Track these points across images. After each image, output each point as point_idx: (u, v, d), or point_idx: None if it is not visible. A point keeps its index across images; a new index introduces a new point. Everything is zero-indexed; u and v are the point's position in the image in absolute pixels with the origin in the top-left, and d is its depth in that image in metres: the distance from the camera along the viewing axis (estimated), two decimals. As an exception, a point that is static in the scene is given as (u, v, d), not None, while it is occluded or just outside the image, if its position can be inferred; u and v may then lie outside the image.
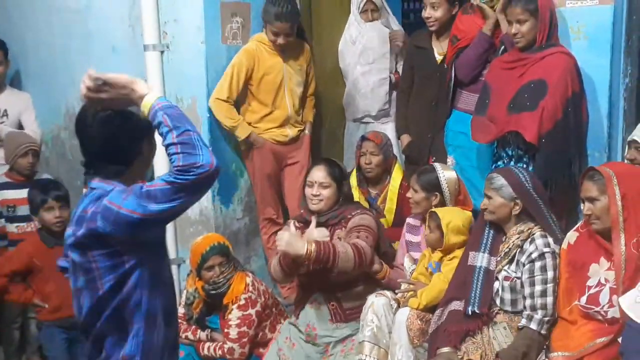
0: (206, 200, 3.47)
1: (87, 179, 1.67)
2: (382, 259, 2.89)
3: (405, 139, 3.56)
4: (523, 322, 2.48)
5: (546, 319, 2.48)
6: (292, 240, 2.59)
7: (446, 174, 2.97)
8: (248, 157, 3.59)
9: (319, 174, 2.85)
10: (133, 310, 1.63)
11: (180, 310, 3.04)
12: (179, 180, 1.49)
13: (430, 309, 2.69)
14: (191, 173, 1.48)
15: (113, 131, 1.61)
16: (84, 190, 1.67)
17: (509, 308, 2.55)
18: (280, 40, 3.40)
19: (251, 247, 3.79)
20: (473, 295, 2.57)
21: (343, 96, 3.92)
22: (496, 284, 2.57)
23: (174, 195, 1.49)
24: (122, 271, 1.60)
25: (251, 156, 3.57)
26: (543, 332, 2.47)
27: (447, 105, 3.34)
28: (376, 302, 2.73)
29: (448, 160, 3.33)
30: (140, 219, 1.51)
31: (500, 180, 2.60)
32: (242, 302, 2.93)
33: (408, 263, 2.95)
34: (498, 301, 2.57)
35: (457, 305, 2.61)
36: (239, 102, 3.55)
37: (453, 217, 2.78)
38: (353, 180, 3.39)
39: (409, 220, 3.06)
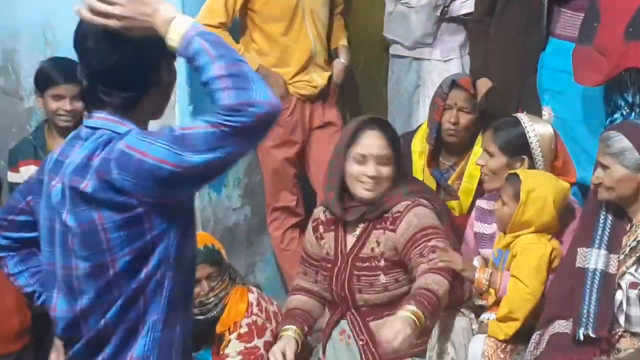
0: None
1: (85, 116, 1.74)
2: None
3: (484, 84, 3.56)
4: None
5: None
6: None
7: (537, 128, 2.97)
8: None
9: (377, 142, 2.79)
10: (151, 297, 1.68)
11: None
12: (229, 123, 1.53)
13: (517, 337, 2.72)
14: (245, 113, 1.53)
15: (126, 47, 1.66)
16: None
17: (638, 329, 2.59)
18: None
19: (255, 248, 3.83)
20: (586, 311, 2.59)
21: (382, 18, 3.95)
22: (618, 294, 2.60)
23: (221, 142, 1.55)
24: (142, 243, 1.64)
25: None
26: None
27: (541, 32, 3.39)
28: (451, 326, 2.81)
29: (543, 111, 3.38)
30: (173, 172, 1.56)
31: (621, 141, 2.61)
32: (244, 329, 2.97)
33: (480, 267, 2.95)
34: (622, 319, 2.60)
35: (562, 326, 2.63)
36: (236, 39, 3.61)
37: (540, 184, 2.78)
38: (418, 143, 3.44)
39: (480, 202, 3.08)
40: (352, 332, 2.83)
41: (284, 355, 2.72)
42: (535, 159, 2.94)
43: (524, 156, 2.93)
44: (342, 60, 3.80)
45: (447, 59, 3.84)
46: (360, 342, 2.82)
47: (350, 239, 2.83)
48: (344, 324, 2.86)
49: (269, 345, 2.95)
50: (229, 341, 2.98)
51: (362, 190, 2.77)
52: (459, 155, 3.45)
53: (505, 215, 2.80)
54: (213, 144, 1.54)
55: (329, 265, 2.86)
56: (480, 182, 3.25)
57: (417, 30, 3.81)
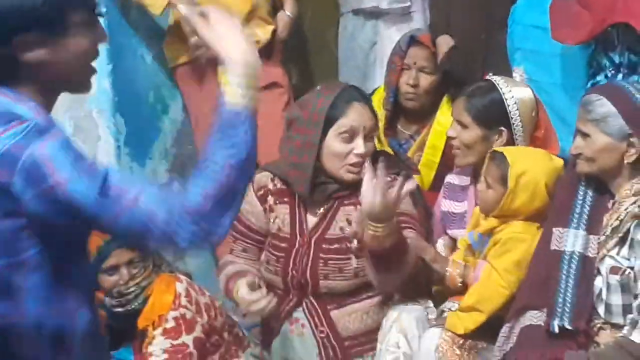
0: (106, 153, 3.53)
1: None
2: None
3: (444, 42, 3.59)
4: (623, 331, 2.54)
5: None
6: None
7: (516, 93, 2.95)
8: (184, 77, 3.68)
9: (367, 116, 2.79)
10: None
11: None
12: (174, 216, 1.60)
13: (480, 332, 2.72)
14: (200, 234, 1.61)
15: None
16: None
17: (619, 319, 2.58)
18: None
19: (186, 232, 3.89)
20: (561, 300, 2.61)
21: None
22: (598, 281, 2.60)
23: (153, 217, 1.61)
24: (14, 260, 1.67)
25: (189, 76, 3.63)
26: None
27: None
28: (404, 316, 2.76)
29: (514, 74, 3.38)
30: (92, 214, 1.60)
31: (603, 106, 2.60)
32: (171, 324, 2.94)
33: (445, 250, 2.99)
34: (601, 309, 2.60)
35: (535, 317, 2.64)
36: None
37: (531, 166, 2.78)
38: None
39: (451, 178, 3.09)
40: (310, 322, 2.85)
41: (254, 287, 2.72)
42: (515, 130, 2.94)
43: (502, 128, 2.92)
44: (287, 12, 3.81)
45: (405, 15, 3.89)
46: (320, 334, 2.85)
47: (312, 217, 2.83)
48: (298, 312, 2.87)
49: (199, 343, 2.96)
50: (153, 337, 2.94)
51: (346, 173, 2.77)
52: (419, 123, 3.48)
53: (490, 198, 2.81)
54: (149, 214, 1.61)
55: (284, 245, 2.84)
56: (444, 155, 3.29)
57: None
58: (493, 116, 2.92)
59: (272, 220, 2.88)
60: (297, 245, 2.83)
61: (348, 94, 2.81)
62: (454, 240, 3.01)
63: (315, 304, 2.83)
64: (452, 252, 2.98)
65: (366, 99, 2.87)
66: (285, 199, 2.86)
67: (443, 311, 2.85)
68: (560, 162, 2.86)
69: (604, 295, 2.57)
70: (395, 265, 2.65)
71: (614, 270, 2.56)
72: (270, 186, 2.89)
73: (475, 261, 2.85)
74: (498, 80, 3.00)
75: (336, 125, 2.75)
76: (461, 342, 2.70)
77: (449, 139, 3.05)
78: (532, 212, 2.78)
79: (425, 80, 3.40)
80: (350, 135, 2.76)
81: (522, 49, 3.36)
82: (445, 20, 3.62)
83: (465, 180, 3.02)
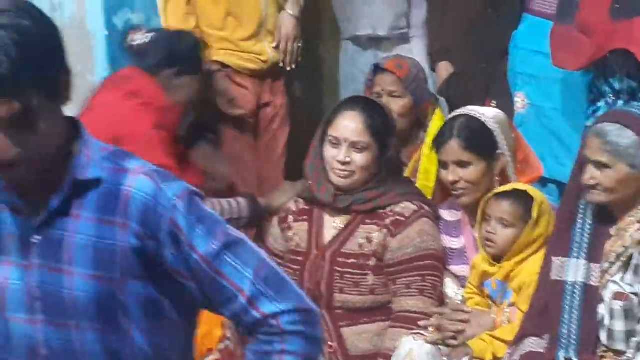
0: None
1: None
2: None
3: (444, 69, 3.57)
4: (628, 354, 2.51)
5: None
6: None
7: (490, 115, 2.90)
8: None
9: (352, 125, 2.82)
10: None
11: None
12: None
13: None
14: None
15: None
16: None
17: (621, 346, 2.55)
18: None
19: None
20: (566, 331, 2.57)
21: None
22: (601, 308, 2.57)
23: None
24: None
25: None
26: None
27: (514, 9, 3.40)
28: (416, 349, 2.71)
29: (516, 98, 3.36)
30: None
31: (625, 136, 2.53)
32: (215, 356, 2.93)
33: (452, 286, 2.91)
34: (603, 336, 2.56)
35: (534, 344, 2.61)
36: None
37: (543, 196, 2.78)
38: None
39: (442, 214, 2.99)
40: None
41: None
42: (506, 155, 2.88)
43: (499, 153, 2.86)
44: (289, 11, 3.70)
45: (404, 41, 3.85)
46: (329, 350, 2.82)
47: (330, 231, 2.85)
48: None
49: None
50: None
51: (334, 177, 2.83)
52: (407, 148, 3.40)
53: (508, 237, 2.74)
54: None
55: (299, 259, 2.86)
56: (438, 179, 3.20)
57: (386, 14, 3.78)
58: (487, 145, 2.88)
59: (290, 238, 2.90)
60: (312, 258, 2.83)
61: (345, 103, 2.91)
62: (457, 278, 2.93)
63: (328, 318, 2.81)
64: (459, 286, 2.92)
65: (365, 111, 2.85)
66: (305, 217, 2.89)
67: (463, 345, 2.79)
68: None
69: (606, 322, 2.53)
70: None
71: (617, 296, 2.52)
72: (293, 207, 2.93)
73: (485, 302, 2.81)
74: (467, 109, 2.94)
75: (328, 132, 2.85)
76: None
77: (451, 183, 2.93)
78: (547, 237, 2.75)
79: (396, 105, 3.31)
80: (336, 143, 2.82)
81: (524, 74, 3.35)
82: (444, 46, 3.59)
83: (457, 214, 2.95)
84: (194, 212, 1.53)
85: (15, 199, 1.53)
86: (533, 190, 2.79)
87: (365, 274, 2.77)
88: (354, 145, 2.80)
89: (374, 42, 3.89)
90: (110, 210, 1.52)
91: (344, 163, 2.80)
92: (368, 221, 2.82)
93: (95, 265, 1.53)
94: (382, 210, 2.81)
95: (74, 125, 1.58)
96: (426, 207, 2.87)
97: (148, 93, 3.13)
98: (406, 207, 2.81)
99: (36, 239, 1.53)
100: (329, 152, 2.83)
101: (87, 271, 1.53)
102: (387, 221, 2.80)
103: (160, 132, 3.05)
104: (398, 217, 2.80)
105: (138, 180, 1.53)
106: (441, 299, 2.85)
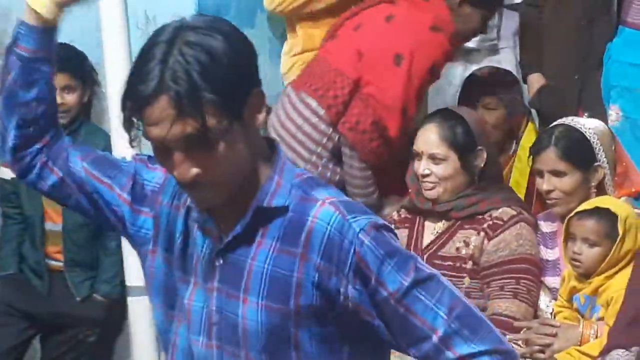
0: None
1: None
2: None
3: (536, 81, 3.55)
4: None
5: None
6: None
7: (591, 126, 2.85)
8: None
9: (428, 138, 2.82)
10: None
11: None
12: None
13: None
14: None
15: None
16: None
17: None
18: None
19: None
20: None
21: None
22: None
23: None
24: None
25: None
26: None
27: (610, 21, 3.42)
28: None
29: (610, 111, 3.36)
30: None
31: None
32: None
33: (544, 298, 2.87)
34: None
35: (622, 357, 2.56)
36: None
37: (624, 208, 2.70)
38: None
39: (541, 223, 2.94)
40: None
41: None
42: (605, 167, 2.80)
43: (596, 165, 2.80)
44: None
45: (496, 49, 3.86)
46: None
47: (429, 237, 2.85)
48: None
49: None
50: None
51: (423, 190, 2.84)
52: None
53: (596, 256, 2.68)
54: None
55: None
56: (530, 189, 3.18)
57: None
58: (585, 156, 2.81)
59: None
60: None
61: (428, 117, 2.90)
62: (549, 289, 2.89)
63: None
64: (551, 297, 2.88)
65: (442, 122, 2.84)
66: (407, 225, 2.90)
67: None
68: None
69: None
70: None
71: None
72: (395, 216, 2.95)
73: (575, 316, 2.77)
74: (569, 119, 2.90)
75: (412, 146, 2.87)
76: None
77: (546, 192, 2.88)
78: (633, 255, 2.68)
79: (490, 117, 3.32)
80: (418, 156, 2.83)
81: (618, 86, 3.33)
82: (537, 58, 3.57)
83: (553, 226, 2.89)
84: (382, 247, 1.42)
85: (207, 220, 1.47)
86: (616, 206, 2.71)
87: (462, 277, 2.76)
88: (432, 157, 2.80)
89: (464, 53, 3.86)
90: (293, 240, 1.44)
91: (424, 175, 2.81)
92: (467, 226, 2.81)
93: (269, 295, 1.45)
94: (480, 215, 2.80)
95: (271, 148, 1.49)
96: (525, 213, 2.84)
97: (444, 17, 3.09)
98: (504, 211, 2.79)
99: (219, 262, 1.47)
100: (414, 165, 2.86)
101: (261, 300, 1.45)
102: (485, 225, 2.79)
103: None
104: (496, 221, 2.78)
105: (324, 211, 1.43)
106: (536, 304, 2.81)
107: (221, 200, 1.43)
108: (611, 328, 2.61)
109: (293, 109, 3.12)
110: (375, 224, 1.43)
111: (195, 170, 1.38)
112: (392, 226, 2.86)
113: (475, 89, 3.39)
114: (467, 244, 2.78)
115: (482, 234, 2.78)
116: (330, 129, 3.09)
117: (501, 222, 2.78)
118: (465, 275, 2.76)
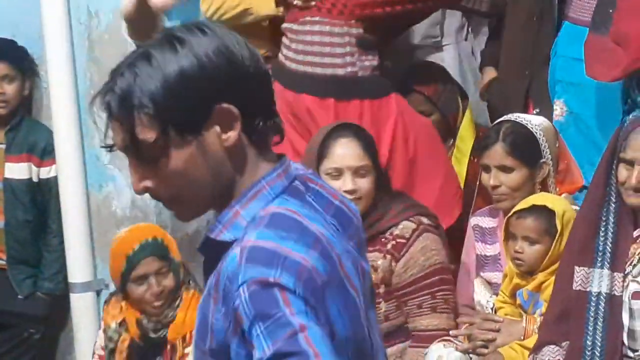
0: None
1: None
2: None
3: (487, 74, 3.60)
4: None
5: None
6: None
7: (536, 122, 2.89)
8: None
9: (352, 152, 2.73)
10: None
11: None
12: None
13: None
14: None
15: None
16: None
17: None
18: None
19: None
20: (590, 342, 2.55)
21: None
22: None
23: None
24: None
25: None
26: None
27: (553, 16, 3.39)
28: (446, 356, 2.72)
29: (555, 106, 3.32)
30: None
31: None
32: None
33: (485, 293, 2.90)
34: (624, 337, 2.55)
35: (552, 353, 2.60)
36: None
37: (560, 203, 2.74)
38: None
39: (476, 221, 2.99)
40: None
41: None
42: (550, 162, 2.87)
43: (543, 160, 2.84)
44: None
45: (440, 46, 3.84)
46: None
47: None
48: None
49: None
50: (185, 354, 2.95)
51: None
52: None
53: (538, 253, 2.73)
54: None
55: None
56: (469, 183, 3.21)
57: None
58: (532, 152, 2.86)
59: None
60: None
61: (335, 131, 2.76)
62: (490, 285, 2.93)
63: None
64: (492, 293, 2.91)
65: (356, 134, 2.77)
66: None
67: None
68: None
69: (626, 321, 2.53)
70: None
71: (636, 295, 2.51)
72: None
73: (517, 312, 2.80)
74: (515, 115, 2.94)
75: (324, 165, 2.74)
76: None
77: (492, 188, 2.91)
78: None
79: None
80: (337, 173, 2.72)
81: (563, 81, 3.31)
82: (496, 51, 3.60)
83: (494, 221, 2.95)
84: (256, 306, 1.29)
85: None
86: (553, 202, 2.74)
87: (377, 302, 2.69)
88: (357, 172, 2.72)
89: (407, 50, 3.84)
90: (217, 280, 1.39)
91: (351, 192, 2.69)
92: (371, 249, 2.71)
93: (198, 333, 1.43)
94: (382, 235, 2.77)
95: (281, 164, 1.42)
96: (425, 220, 2.81)
97: None
98: (405, 226, 2.77)
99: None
100: (331, 185, 2.73)
101: (195, 336, 1.44)
102: (389, 246, 2.77)
103: None
104: (399, 240, 2.76)
105: (232, 255, 1.35)
106: (455, 309, 2.84)
107: (197, 214, 1.40)
108: (541, 324, 2.67)
109: None
110: (262, 280, 1.29)
111: (144, 183, 1.36)
112: None
113: (409, 97, 3.34)
114: (375, 269, 2.73)
115: (388, 256, 2.76)
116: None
117: (404, 240, 2.77)
118: (380, 300, 2.74)
